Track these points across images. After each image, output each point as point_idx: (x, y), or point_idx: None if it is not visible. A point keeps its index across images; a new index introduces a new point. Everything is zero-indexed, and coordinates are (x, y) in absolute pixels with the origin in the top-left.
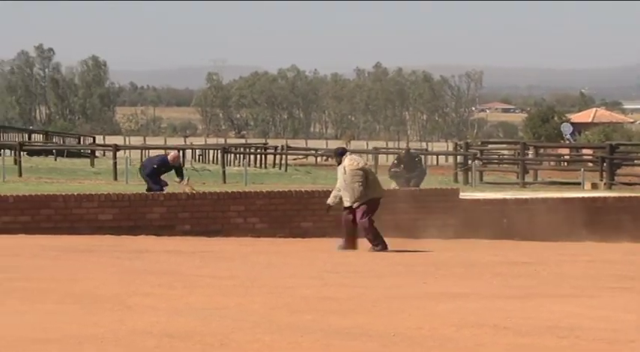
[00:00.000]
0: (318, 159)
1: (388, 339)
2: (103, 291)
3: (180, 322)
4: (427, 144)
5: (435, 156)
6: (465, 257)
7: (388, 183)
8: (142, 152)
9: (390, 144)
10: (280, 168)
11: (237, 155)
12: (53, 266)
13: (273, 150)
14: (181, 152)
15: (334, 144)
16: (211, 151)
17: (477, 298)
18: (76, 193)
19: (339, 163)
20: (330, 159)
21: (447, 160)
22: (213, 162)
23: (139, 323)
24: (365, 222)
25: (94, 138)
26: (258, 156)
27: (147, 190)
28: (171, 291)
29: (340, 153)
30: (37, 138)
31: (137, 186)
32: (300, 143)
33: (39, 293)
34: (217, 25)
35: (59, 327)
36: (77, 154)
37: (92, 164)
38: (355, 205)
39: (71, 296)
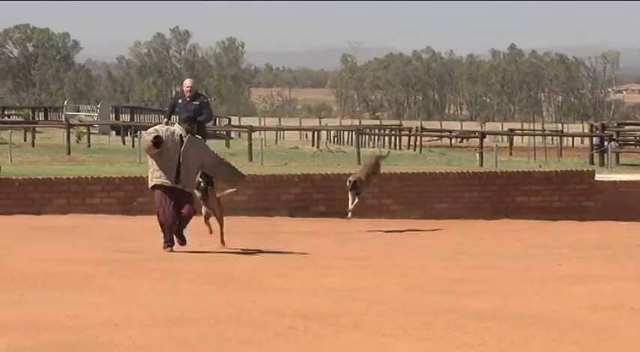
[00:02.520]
0: (453, 140)
1: (522, 321)
2: (238, 272)
3: (314, 303)
4: (562, 126)
5: (570, 138)
6: (600, 239)
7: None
8: (276, 133)
9: (525, 126)
10: (415, 150)
11: (372, 136)
12: (187, 247)
13: (407, 132)
14: (316, 133)
15: (469, 126)
16: (346, 133)
17: (612, 281)
18: None
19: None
20: (465, 141)
21: (582, 142)
22: (347, 144)
23: (273, 304)
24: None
25: (230, 120)
26: (393, 137)
27: None
28: (305, 272)
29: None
30: (173, 119)
31: (272, 167)
32: (434, 124)
33: (174, 273)
34: (352, 7)
35: (195, 308)
36: (212, 135)
37: (227, 145)
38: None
39: (206, 276)
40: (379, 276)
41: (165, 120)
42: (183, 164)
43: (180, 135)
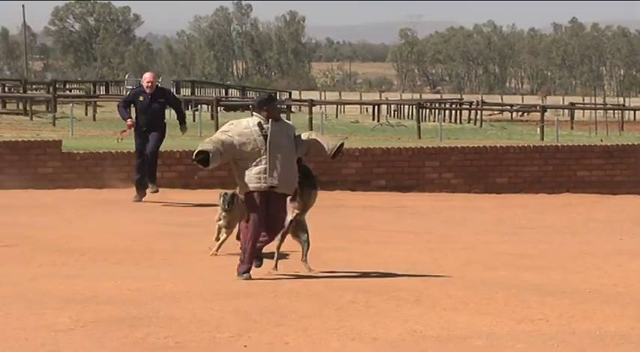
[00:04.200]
0: (514, 114)
1: (583, 296)
2: (298, 246)
3: (375, 277)
4: (624, 100)
5: (632, 112)
6: None
7: None
8: (337, 107)
9: (587, 100)
10: (475, 124)
11: (432, 110)
12: None
13: (468, 106)
14: (377, 107)
15: (530, 100)
16: (406, 107)
17: None
18: None
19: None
20: (525, 114)
21: None
22: (408, 118)
23: (334, 278)
24: None
25: (290, 94)
26: (453, 111)
27: None
28: (366, 246)
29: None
30: (234, 93)
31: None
32: (495, 98)
33: (234, 248)
34: None
35: (255, 282)
36: None
37: (288, 119)
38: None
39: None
40: (439, 250)
41: (130, 121)
42: (271, 158)
43: (259, 124)
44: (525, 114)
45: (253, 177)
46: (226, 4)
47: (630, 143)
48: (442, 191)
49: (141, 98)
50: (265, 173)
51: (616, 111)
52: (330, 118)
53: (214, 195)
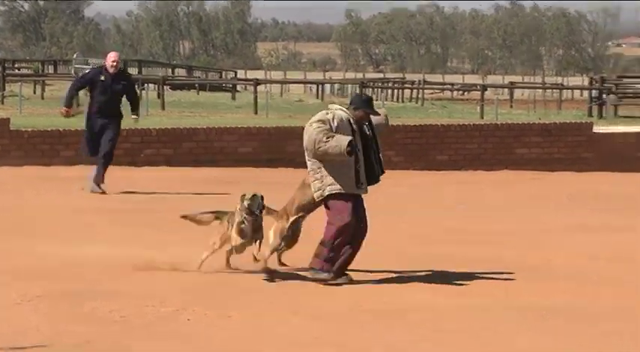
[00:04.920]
0: (455, 93)
1: (521, 271)
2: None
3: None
4: (562, 79)
5: (569, 91)
6: (598, 190)
7: None
8: (281, 86)
9: (526, 79)
10: (417, 103)
11: (375, 89)
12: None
13: (410, 85)
14: (321, 86)
15: (471, 79)
16: (350, 86)
17: (611, 231)
18: (217, 126)
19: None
20: (466, 93)
21: (581, 95)
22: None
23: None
24: None
25: (236, 73)
26: (396, 90)
27: None
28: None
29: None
30: (180, 72)
31: (277, 119)
32: (437, 78)
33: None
34: None
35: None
36: (219, 88)
37: (233, 98)
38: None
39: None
40: (381, 226)
41: (64, 110)
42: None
43: (349, 121)
44: (466, 93)
45: (351, 178)
46: None
47: (568, 121)
48: (387, 168)
49: (102, 78)
50: (359, 175)
51: (554, 91)
52: (275, 97)
53: (160, 173)
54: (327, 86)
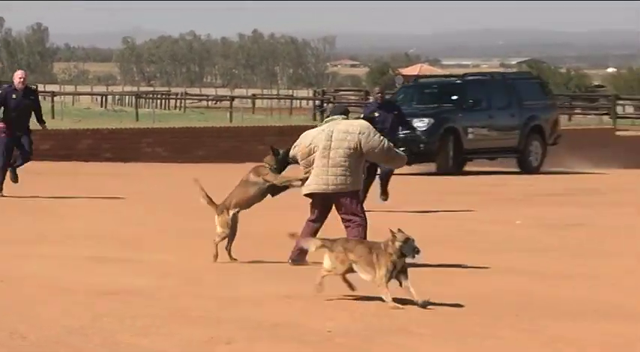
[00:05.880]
0: (210, 103)
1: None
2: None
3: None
4: (293, 92)
5: (299, 101)
6: None
7: None
8: (73, 97)
9: (265, 92)
10: (180, 110)
11: (147, 100)
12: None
13: (175, 96)
14: (104, 98)
15: (222, 91)
16: (127, 97)
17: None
18: None
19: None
20: (218, 102)
21: (307, 104)
22: (128, 105)
23: (71, 227)
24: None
25: (37, 86)
26: (164, 100)
27: None
28: (99, 203)
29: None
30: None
31: (70, 123)
32: (195, 90)
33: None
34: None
35: None
36: None
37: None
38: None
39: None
40: (159, 206)
41: (1, 124)
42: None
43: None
44: (218, 102)
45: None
46: None
47: (298, 124)
48: (155, 161)
49: (14, 96)
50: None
51: (287, 100)
52: (68, 106)
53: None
54: (110, 97)
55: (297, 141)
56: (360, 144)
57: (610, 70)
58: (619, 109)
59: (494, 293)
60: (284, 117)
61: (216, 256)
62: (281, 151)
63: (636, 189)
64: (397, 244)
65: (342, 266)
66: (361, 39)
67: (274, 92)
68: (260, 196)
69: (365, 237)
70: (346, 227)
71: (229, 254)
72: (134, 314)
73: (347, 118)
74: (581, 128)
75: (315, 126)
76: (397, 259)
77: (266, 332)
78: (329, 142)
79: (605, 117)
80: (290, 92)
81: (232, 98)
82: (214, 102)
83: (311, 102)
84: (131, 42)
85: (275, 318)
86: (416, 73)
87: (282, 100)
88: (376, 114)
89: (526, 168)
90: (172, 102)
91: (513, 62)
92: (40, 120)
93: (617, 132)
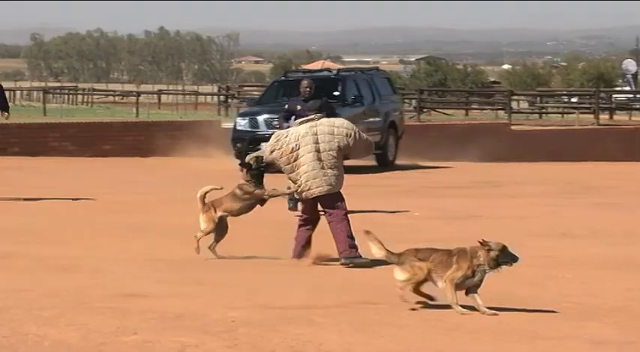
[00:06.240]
0: (116, 98)
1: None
2: None
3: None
4: (198, 88)
5: (204, 96)
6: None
7: None
8: None
9: (171, 87)
10: (88, 105)
11: (55, 95)
12: None
13: (82, 92)
14: (12, 93)
15: (128, 87)
16: (35, 92)
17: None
18: None
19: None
20: (125, 98)
21: (212, 99)
22: (37, 101)
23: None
24: None
25: None
26: (71, 96)
27: None
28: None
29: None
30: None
31: None
32: (102, 86)
33: None
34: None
35: None
36: None
37: None
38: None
39: None
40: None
41: None
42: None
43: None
44: (125, 97)
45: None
46: None
47: (201, 119)
48: (62, 155)
49: None
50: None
51: (192, 96)
52: None
53: None
54: (18, 92)
55: (272, 145)
56: (349, 145)
57: (505, 66)
58: (514, 104)
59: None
60: (189, 112)
61: (197, 250)
62: (253, 163)
63: (530, 181)
64: (493, 254)
65: (420, 273)
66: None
67: (180, 88)
68: (248, 209)
69: (350, 229)
70: (330, 221)
71: (214, 251)
72: (41, 306)
73: (324, 116)
74: (478, 123)
75: (220, 122)
76: (487, 269)
77: (171, 322)
78: (317, 145)
79: (501, 112)
80: (195, 88)
81: (138, 94)
82: (121, 97)
83: (216, 97)
84: (39, 38)
85: (179, 309)
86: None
87: (187, 96)
88: (298, 107)
89: (383, 162)
90: (80, 97)
91: (412, 59)
92: (6, 109)
93: (512, 127)
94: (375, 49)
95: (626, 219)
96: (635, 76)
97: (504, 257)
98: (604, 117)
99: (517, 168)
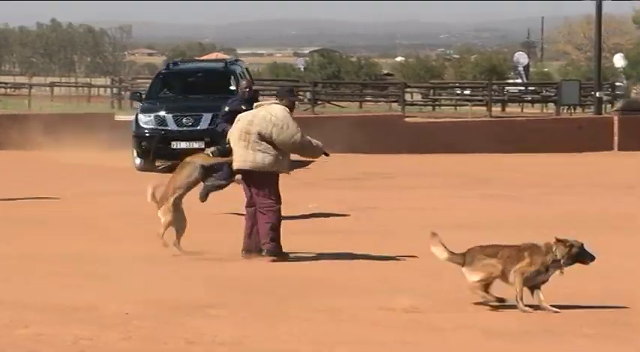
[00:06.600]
0: (8, 90)
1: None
2: None
3: None
4: (91, 80)
5: (97, 89)
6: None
7: None
8: None
9: (64, 80)
10: None
11: None
12: None
13: None
14: None
15: (20, 80)
16: None
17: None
18: None
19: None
20: (17, 90)
21: (105, 92)
22: None
23: None
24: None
25: None
26: None
27: None
28: None
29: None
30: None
31: None
32: None
33: None
34: None
35: None
36: None
37: None
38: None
39: None
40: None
41: None
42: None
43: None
44: (16, 90)
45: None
46: None
47: (96, 112)
48: None
49: None
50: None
51: (85, 88)
52: None
53: None
54: None
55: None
56: (272, 135)
57: (399, 58)
58: (407, 97)
59: (281, 275)
60: (82, 104)
61: (165, 244)
62: (218, 148)
63: (423, 172)
64: (574, 250)
65: (495, 270)
66: (157, 28)
67: (72, 80)
68: (197, 175)
69: (277, 222)
70: (258, 211)
71: (178, 247)
72: None
73: (280, 102)
74: (372, 115)
75: (114, 114)
76: (563, 265)
77: (66, 315)
78: (249, 127)
79: (395, 105)
80: (88, 80)
81: (31, 86)
82: (13, 89)
83: (109, 90)
84: None
85: (75, 303)
86: None
87: (80, 88)
88: (243, 108)
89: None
90: None
91: (306, 51)
92: None
93: (406, 119)
94: (269, 42)
95: (518, 210)
96: (526, 68)
97: (583, 255)
98: (496, 109)
99: (410, 159)
